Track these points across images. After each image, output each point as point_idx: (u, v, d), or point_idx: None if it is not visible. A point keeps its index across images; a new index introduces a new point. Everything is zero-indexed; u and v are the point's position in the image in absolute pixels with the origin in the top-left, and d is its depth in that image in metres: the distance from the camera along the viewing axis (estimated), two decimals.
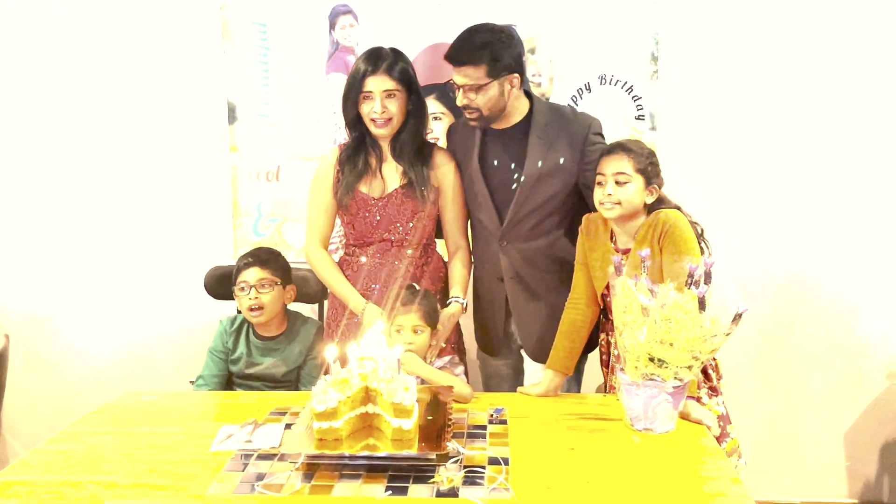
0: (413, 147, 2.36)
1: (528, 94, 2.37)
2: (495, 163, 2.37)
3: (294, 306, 2.67)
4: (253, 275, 2.46)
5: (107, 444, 1.89)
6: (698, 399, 2.04)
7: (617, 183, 2.09)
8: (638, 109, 2.91)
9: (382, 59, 2.26)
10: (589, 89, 2.90)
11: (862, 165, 2.91)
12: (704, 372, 2.15)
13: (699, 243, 2.10)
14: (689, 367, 1.83)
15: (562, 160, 2.31)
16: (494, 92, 2.21)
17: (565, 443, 1.84)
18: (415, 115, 2.34)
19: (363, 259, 2.43)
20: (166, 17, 2.96)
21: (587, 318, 2.25)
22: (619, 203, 2.09)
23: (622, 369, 1.91)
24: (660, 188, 2.15)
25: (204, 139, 3.03)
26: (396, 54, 2.31)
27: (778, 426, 3.09)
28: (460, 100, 2.25)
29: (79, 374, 3.20)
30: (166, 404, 2.18)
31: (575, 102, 2.89)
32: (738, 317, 1.78)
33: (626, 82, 2.89)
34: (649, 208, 2.15)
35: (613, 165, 2.10)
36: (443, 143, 2.88)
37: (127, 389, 2.29)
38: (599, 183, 2.13)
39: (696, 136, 2.90)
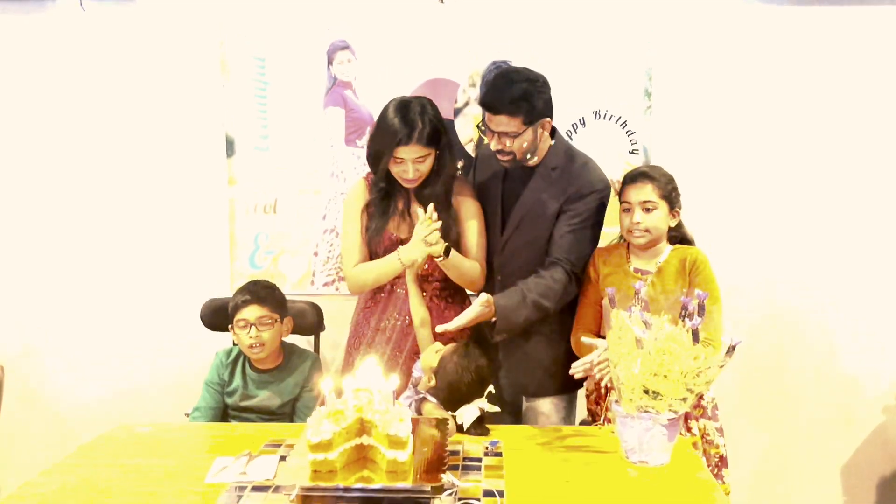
0: (440, 195, 2.34)
1: (553, 132, 2.36)
2: (511, 195, 2.40)
3: (290, 338, 2.66)
4: (252, 312, 2.46)
5: (100, 476, 1.88)
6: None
7: (645, 210, 2.15)
8: (632, 144, 2.94)
9: (415, 128, 2.20)
10: (584, 124, 2.94)
11: (851, 202, 2.95)
12: (713, 411, 2.17)
13: None
14: (684, 400, 1.83)
15: (550, 209, 2.32)
16: (529, 137, 2.24)
17: (561, 475, 1.84)
18: (442, 166, 2.32)
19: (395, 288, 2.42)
20: (167, 52, 3.00)
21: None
22: (648, 231, 2.16)
23: (617, 401, 1.91)
24: (679, 209, 2.24)
25: (202, 172, 3.06)
26: (426, 115, 2.23)
27: (772, 461, 3.08)
28: (494, 145, 2.26)
29: (72, 407, 3.18)
30: (161, 436, 2.16)
31: (570, 137, 2.93)
32: (731, 349, 1.79)
33: (619, 117, 2.93)
34: (670, 233, 2.23)
35: (639, 193, 2.17)
36: None
37: (121, 422, 2.27)
38: (626, 210, 2.20)
39: (689, 171, 2.91)
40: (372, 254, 2.41)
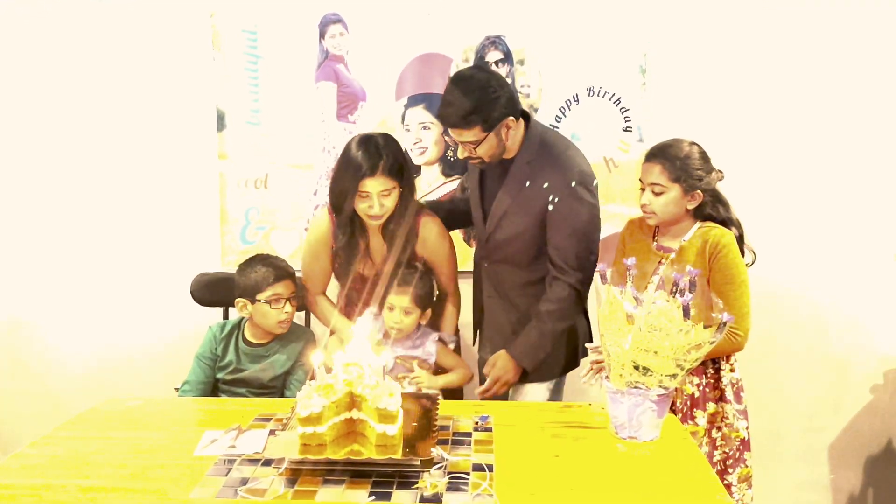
0: (402, 230, 2.37)
1: (526, 117, 2.31)
2: (491, 189, 2.39)
3: None
4: (287, 288, 2.45)
5: (89, 448, 1.87)
6: (674, 412, 2.04)
7: (653, 192, 2.11)
8: (626, 121, 2.93)
9: (379, 159, 2.22)
10: (577, 101, 2.92)
11: (842, 180, 2.95)
12: (737, 394, 2.16)
13: (741, 249, 2.15)
14: (674, 376, 1.83)
15: (533, 206, 2.28)
16: (493, 142, 2.20)
17: (550, 450, 1.84)
18: (406, 202, 2.34)
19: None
20: (156, 25, 2.97)
21: None
22: (654, 213, 2.12)
23: (607, 377, 1.91)
24: (708, 189, 2.14)
25: (193, 146, 3.03)
26: (390, 148, 2.27)
27: (761, 439, 3.09)
28: (461, 152, 2.25)
29: (61, 380, 3.18)
30: (150, 410, 2.16)
31: (563, 114, 2.91)
32: (722, 325, 1.79)
33: (614, 94, 2.92)
34: (698, 211, 2.16)
35: (648, 175, 2.13)
36: (432, 152, 2.92)
37: (110, 395, 2.27)
38: (642, 189, 2.16)
39: None
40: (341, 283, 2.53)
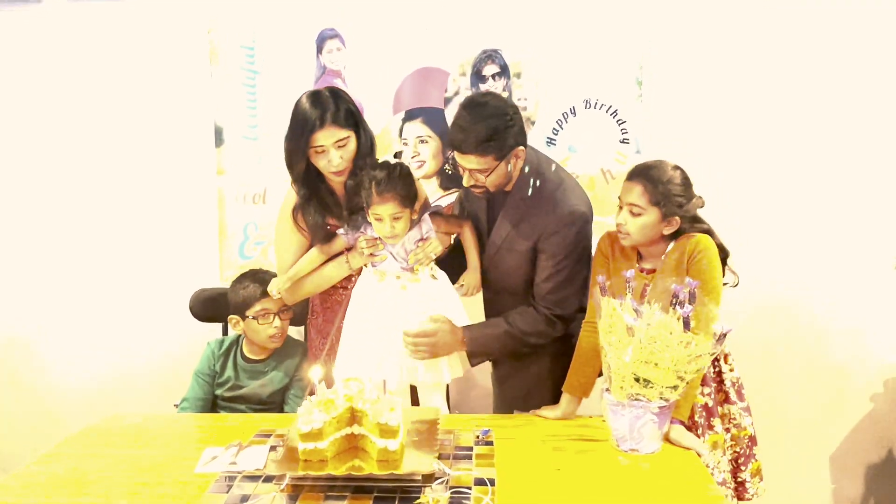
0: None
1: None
2: (492, 218, 2.32)
3: None
4: (275, 302, 2.44)
5: (90, 466, 1.87)
6: (690, 426, 2.03)
7: (631, 213, 2.04)
8: (623, 133, 2.94)
9: (327, 109, 2.15)
10: (574, 113, 2.93)
11: (840, 190, 2.95)
12: (739, 392, 2.16)
13: (724, 270, 2.08)
14: (675, 388, 1.84)
15: (521, 246, 2.22)
16: (502, 171, 2.12)
17: (551, 463, 1.84)
18: (364, 152, 2.23)
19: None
20: (154, 40, 2.99)
21: None
22: (629, 234, 2.05)
23: (608, 389, 1.91)
24: (686, 217, 2.06)
25: (191, 161, 3.04)
26: (337, 98, 2.19)
27: (761, 448, 3.09)
28: (467, 180, 2.14)
29: (60, 397, 3.18)
30: (150, 427, 2.15)
31: (560, 126, 2.93)
32: (722, 336, 1.79)
33: (610, 106, 2.93)
34: (679, 230, 2.08)
35: (628, 194, 2.04)
36: (430, 166, 2.93)
37: (109, 412, 2.27)
38: (619, 207, 2.08)
39: (679, 160, 2.90)
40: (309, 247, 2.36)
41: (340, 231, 2.28)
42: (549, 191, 2.19)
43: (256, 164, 3.02)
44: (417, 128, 2.97)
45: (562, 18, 2.89)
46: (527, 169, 2.19)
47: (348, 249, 2.31)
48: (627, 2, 2.87)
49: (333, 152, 2.16)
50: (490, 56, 2.91)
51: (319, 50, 2.96)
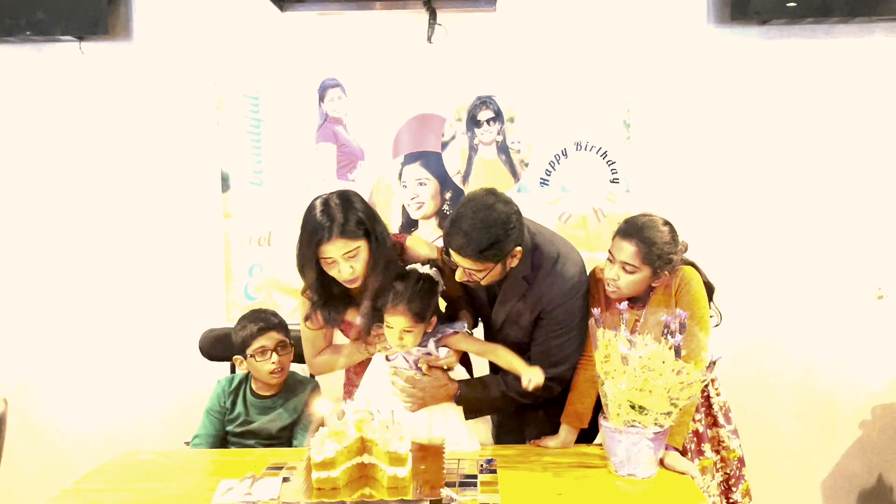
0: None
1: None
2: (492, 294, 2.30)
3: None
4: (272, 339, 2.51)
5: (107, 501, 1.93)
6: (682, 452, 2.11)
7: (623, 270, 2.08)
8: (613, 173, 3.06)
9: (332, 221, 2.04)
10: (566, 155, 3.06)
11: (825, 227, 3.08)
12: (726, 416, 2.24)
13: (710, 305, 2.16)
14: (668, 414, 1.92)
15: (525, 319, 2.21)
16: (497, 270, 2.07)
17: (553, 489, 1.91)
18: (379, 257, 2.13)
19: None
20: (163, 91, 3.11)
21: None
22: (620, 289, 2.10)
23: (605, 417, 2.00)
24: (671, 272, 2.12)
25: (198, 206, 3.15)
26: (345, 207, 2.08)
27: (754, 475, 3.15)
28: (460, 275, 2.09)
29: (72, 439, 3.22)
30: (164, 462, 2.21)
31: (553, 168, 3.04)
32: (712, 364, 1.89)
33: (600, 147, 3.05)
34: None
35: (621, 253, 2.08)
36: (429, 207, 3.03)
37: (121, 452, 2.31)
38: (610, 260, 2.13)
39: (667, 198, 3.04)
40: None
41: (358, 319, 2.23)
42: (548, 268, 2.15)
43: (261, 207, 3.13)
44: (416, 170, 3.09)
45: (552, 65, 3.03)
46: (523, 252, 2.11)
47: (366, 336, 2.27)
48: (614, 49, 3.02)
49: (343, 263, 2.09)
50: (485, 102, 3.04)
51: (321, 98, 3.08)
